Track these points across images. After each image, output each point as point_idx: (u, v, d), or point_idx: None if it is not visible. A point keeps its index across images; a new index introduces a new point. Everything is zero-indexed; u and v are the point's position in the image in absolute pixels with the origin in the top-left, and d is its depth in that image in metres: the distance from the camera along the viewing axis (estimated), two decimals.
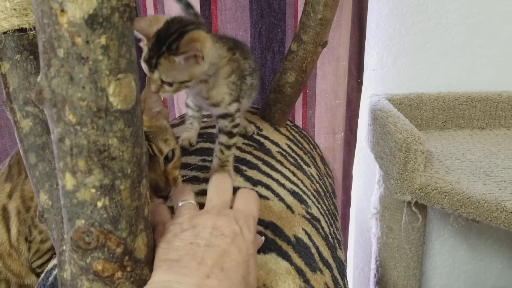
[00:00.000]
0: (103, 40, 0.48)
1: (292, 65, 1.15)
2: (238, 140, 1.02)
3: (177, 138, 1.03)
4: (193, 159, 0.96)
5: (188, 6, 0.99)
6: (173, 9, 1.31)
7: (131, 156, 0.53)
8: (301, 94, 1.40)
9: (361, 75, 1.43)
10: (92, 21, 0.47)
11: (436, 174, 1.20)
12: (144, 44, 0.73)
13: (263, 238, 0.70)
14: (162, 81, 0.73)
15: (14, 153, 0.95)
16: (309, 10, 1.11)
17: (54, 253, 0.84)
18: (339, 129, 1.44)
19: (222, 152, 0.87)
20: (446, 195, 1.13)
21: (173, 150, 0.78)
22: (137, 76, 0.55)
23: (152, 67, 0.71)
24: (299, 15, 1.34)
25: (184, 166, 0.91)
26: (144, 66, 0.73)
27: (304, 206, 0.92)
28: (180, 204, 0.62)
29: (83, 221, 0.53)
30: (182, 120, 1.20)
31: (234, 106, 0.85)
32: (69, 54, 0.47)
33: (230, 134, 0.87)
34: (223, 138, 0.87)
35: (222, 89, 0.83)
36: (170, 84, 0.74)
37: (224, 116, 0.86)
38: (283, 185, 0.93)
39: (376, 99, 1.41)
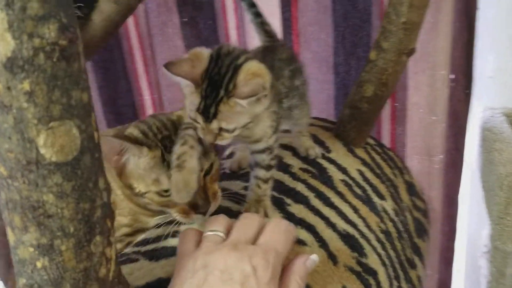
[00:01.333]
0: (26, 86, 0.41)
1: (370, 77, 0.98)
2: (295, 163, 0.90)
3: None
4: (237, 185, 0.86)
5: (252, 6, 0.89)
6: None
7: (74, 213, 0.46)
8: (388, 107, 1.20)
9: (469, 85, 1.18)
10: (12, 65, 0.41)
11: None
12: (191, 92, 0.65)
13: (314, 257, 0.59)
14: (220, 129, 0.65)
15: None
16: (390, 12, 0.93)
17: None
18: (437, 150, 1.21)
19: (258, 186, 0.76)
20: None
21: (211, 164, 0.75)
22: (90, 118, 0.48)
23: (210, 117, 0.64)
24: None
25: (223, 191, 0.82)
26: (197, 117, 0.65)
27: (356, 254, 0.77)
28: (206, 234, 0.59)
29: (24, 280, 0.49)
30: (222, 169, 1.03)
31: (273, 138, 0.74)
32: None
33: (268, 168, 0.76)
34: (260, 172, 0.76)
35: (266, 123, 0.72)
36: (230, 132, 0.66)
37: (263, 150, 0.75)
38: (333, 226, 0.79)
39: (490, 114, 1.15)
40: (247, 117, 0.66)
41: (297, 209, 0.79)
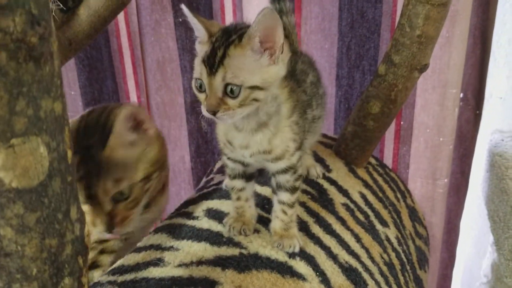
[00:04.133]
0: None
1: (378, 93, 0.91)
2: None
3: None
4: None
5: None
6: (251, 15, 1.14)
7: (38, 251, 0.38)
8: (393, 125, 1.13)
9: (480, 105, 1.11)
10: None
11: None
12: (203, 43, 0.61)
13: None
14: (225, 88, 0.57)
15: None
16: (404, 24, 0.85)
17: None
18: (442, 173, 1.14)
19: (284, 212, 0.68)
20: None
21: (131, 188, 0.73)
22: (63, 134, 0.39)
23: (216, 65, 0.57)
24: None
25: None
26: (202, 72, 0.58)
27: None
28: None
29: None
30: (212, 185, 0.88)
31: (297, 156, 0.67)
32: None
33: (293, 190, 0.68)
34: (284, 196, 0.68)
35: (286, 134, 0.65)
36: (235, 94, 0.57)
37: (285, 170, 0.67)
38: (334, 257, 0.71)
39: (499, 138, 1.08)
40: (257, 77, 0.58)
41: None
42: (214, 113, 0.58)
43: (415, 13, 0.84)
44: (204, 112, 0.59)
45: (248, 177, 0.71)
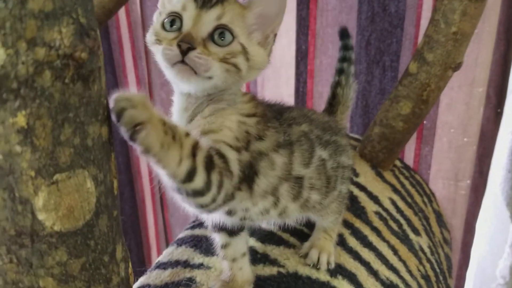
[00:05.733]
0: (21, 120, 0.27)
1: (409, 93, 0.85)
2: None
3: None
4: None
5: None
6: None
7: None
8: None
9: (501, 103, 1.07)
10: (0, 87, 0.26)
11: None
12: None
13: None
14: (213, 32, 0.47)
15: None
16: (439, 20, 0.80)
17: None
18: (465, 175, 1.10)
19: None
20: None
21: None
22: (110, 162, 0.33)
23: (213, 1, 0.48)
24: (423, 22, 1.02)
25: None
26: (184, 2, 0.48)
27: None
28: None
29: None
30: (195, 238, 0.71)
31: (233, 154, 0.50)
32: None
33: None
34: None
35: (230, 116, 0.51)
36: (225, 42, 0.47)
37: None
38: (375, 274, 0.66)
39: None
40: (259, 33, 0.51)
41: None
42: (186, 50, 0.45)
43: (451, 8, 0.79)
44: (171, 51, 0.46)
45: (231, 231, 0.56)
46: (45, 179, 0.28)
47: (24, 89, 0.26)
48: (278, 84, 1.18)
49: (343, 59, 0.78)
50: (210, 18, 0.47)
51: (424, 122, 1.09)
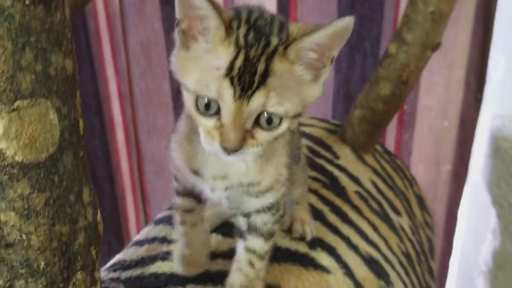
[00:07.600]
0: None
1: (389, 74, 0.86)
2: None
3: None
4: None
5: None
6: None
7: (47, 240, 0.30)
8: None
9: (481, 89, 1.08)
10: None
11: None
12: (215, 43, 0.42)
13: None
14: (259, 117, 0.42)
15: None
16: (417, 0, 0.81)
17: None
18: (446, 159, 1.11)
19: (251, 264, 0.52)
20: None
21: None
22: (75, 99, 0.32)
23: (254, 86, 0.40)
24: (402, 6, 1.02)
25: None
26: (218, 88, 0.40)
27: (383, 283, 0.64)
28: None
29: None
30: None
31: (285, 187, 0.52)
32: None
33: (269, 235, 0.52)
34: (257, 243, 0.52)
35: (281, 158, 0.50)
36: (273, 126, 0.42)
37: (269, 207, 0.51)
38: (355, 248, 0.66)
39: (501, 122, 1.05)
40: (300, 99, 0.43)
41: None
42: (235, 151, 0.41)
43: None
44: (212, 146, 0.42)
45: (200, 198, 0.53)
46: (5, 105, 0.27)
47: None
48: None
49: None
50: (253, 109, 0.41)
51: (405, 107, 1.10)
